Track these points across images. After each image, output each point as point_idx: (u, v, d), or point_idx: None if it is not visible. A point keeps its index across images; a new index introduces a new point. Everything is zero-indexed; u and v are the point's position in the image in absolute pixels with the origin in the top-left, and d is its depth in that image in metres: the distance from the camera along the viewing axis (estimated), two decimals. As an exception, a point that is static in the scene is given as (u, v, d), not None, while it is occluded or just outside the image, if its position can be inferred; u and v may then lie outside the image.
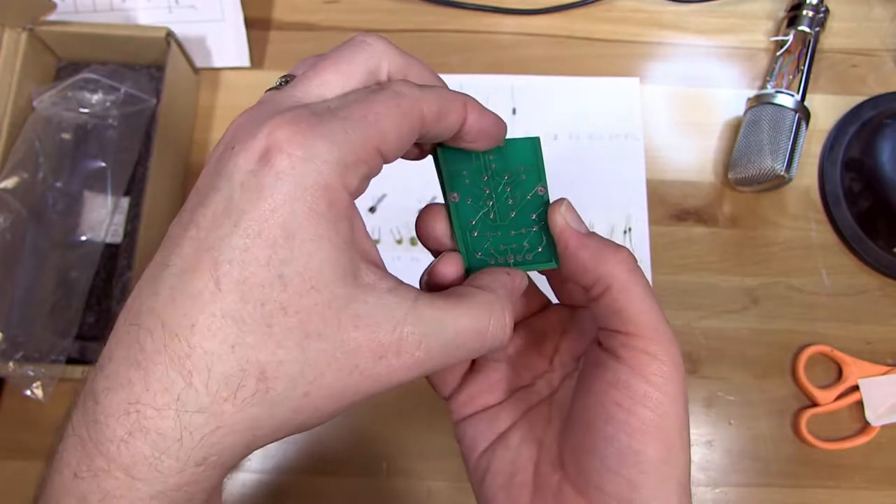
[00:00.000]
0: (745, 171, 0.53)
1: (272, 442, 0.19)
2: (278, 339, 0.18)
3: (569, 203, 0.26)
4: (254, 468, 0.49)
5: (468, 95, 0.24)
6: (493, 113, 0.25)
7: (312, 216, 0.18)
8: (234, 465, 0.19)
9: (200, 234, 0.19)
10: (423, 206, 0.27)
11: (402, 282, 0.21)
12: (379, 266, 0.21)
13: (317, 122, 0.19)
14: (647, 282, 0.24)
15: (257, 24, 0.58)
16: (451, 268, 0.25)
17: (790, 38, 0.56)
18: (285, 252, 0.18)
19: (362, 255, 0.20)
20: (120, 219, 0.52)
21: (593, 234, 0.25)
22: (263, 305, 0.18)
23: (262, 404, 0.18)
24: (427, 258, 0.26)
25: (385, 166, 0.21)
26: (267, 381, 0.18)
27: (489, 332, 0.22)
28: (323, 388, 0.19)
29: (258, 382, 0.18)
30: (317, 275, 0.18)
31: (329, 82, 0.21)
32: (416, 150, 0.25)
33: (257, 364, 0.18)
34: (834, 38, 0.59)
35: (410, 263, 0.52)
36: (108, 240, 0.51)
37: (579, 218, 0.26)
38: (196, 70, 0.57)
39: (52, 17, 0.51)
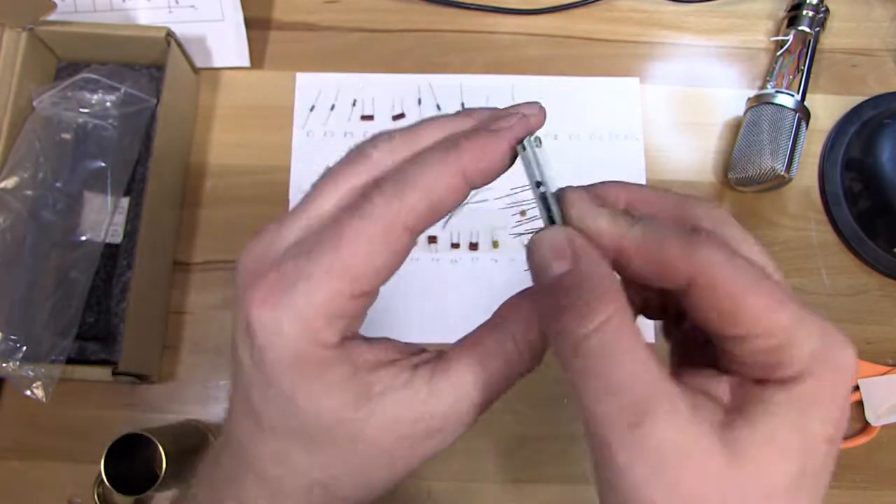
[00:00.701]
0: (745, 172, 0.53)
1: None
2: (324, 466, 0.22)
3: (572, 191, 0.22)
4: (254, 468, 0.49)
5: (466, 137, 0.21)
6: (496, 138, 0.22)
7: (302, 381, 0.20)
8: None
9: (236, 440, 0.23)
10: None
11: (419, 362, 0.22)
12: (391, 362, 0.21)
13: (283, 289, 0.20)
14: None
15: (257, 24, 0.58)
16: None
17: (790, 38, 0.56)
18: (297, 422, 0.21)
19: (369, 370, 0.21)
20: (120, 219, 0.52)
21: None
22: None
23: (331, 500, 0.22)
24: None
25: None
26: (328, 490, 0.22)
27: (510, 372, 0.22)
28: (375, 486, 0.22)
29: (323, 492, 0.22)
30: (329, 419, 0.20)
31: (322, 206, 0.21)
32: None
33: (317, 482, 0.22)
34: (834, 38, 0.59)
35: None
36: (108, 240, 0.51)
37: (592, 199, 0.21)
38: (196, 70, 0.57)
39: (52, 17, 0.51)
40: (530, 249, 0.20)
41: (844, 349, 0.18)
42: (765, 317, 0.18)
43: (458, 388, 0.21)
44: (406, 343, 0.24)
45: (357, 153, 0.22)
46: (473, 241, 0.54)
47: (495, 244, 0.54)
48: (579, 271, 0.19)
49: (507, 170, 0.22)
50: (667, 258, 0.19)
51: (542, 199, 0.22)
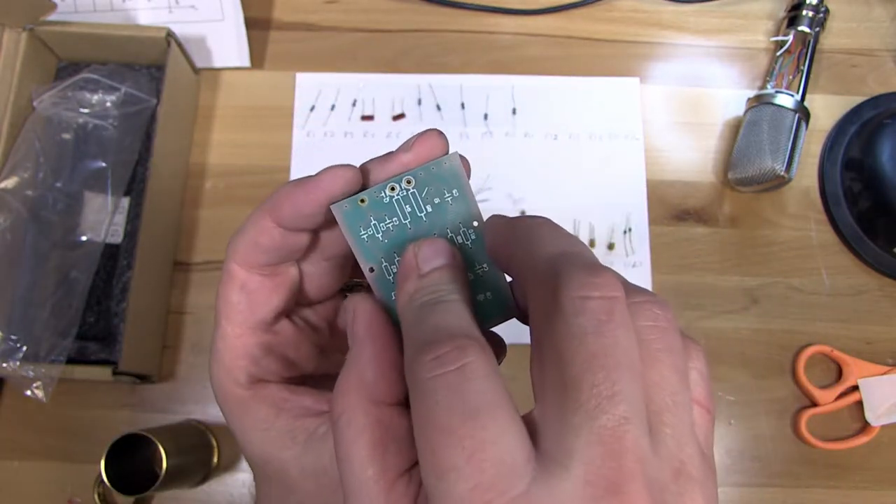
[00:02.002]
0: (745, 172, 0.53)
1: None
2: None
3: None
4: (254, 468, 0.49)
5: (285, 185, 0.21)
6: (300, 192, 0.21)
7: (232, 417, 0.23)
8: None
9: None
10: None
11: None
12: (320, 412, 0.23)
13: (214, 333, 0.23)
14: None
15: (257, 24, 0.58)
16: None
17: (790, 38, 0.56)
18: (245, 453, 0.23)
19: (296, 416, 0.22)
20: (120, 219, 0.52)
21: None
22: None
23: None
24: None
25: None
26: None
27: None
28: None
29: None
30: (261, 455, 0.22)
31: None
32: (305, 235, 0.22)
33: None
34: (834, 38, 0.59)
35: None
36: (109, 240, 0.51)
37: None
38: (196, 70, 0.57)
39: (52, 17, 0.51)
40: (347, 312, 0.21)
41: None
42: (427, 475, 0.16)
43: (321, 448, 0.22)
44: None
45: None
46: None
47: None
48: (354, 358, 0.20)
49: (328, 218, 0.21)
50: (405, 365, 0.18)
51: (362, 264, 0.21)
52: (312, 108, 0.57)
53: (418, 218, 0.21)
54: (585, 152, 0.56)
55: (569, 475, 0.14)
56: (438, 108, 0.57)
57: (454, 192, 0.21)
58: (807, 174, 0.56)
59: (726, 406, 0.51)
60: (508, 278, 0.22)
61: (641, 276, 0.53)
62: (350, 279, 0.25)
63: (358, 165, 0.21)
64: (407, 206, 0.21)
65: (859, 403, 0.50)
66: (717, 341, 0.52)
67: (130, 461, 0.44)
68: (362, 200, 0.21)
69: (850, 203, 0.54)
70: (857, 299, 0.53)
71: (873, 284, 0.54)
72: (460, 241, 0.22)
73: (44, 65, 0.54)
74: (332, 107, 0.57)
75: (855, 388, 0.50)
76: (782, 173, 0.51)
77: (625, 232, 0.54)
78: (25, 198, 0.49)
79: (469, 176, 0.22)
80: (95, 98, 0.53)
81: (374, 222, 0.21)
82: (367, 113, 0.57)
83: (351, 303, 0.20)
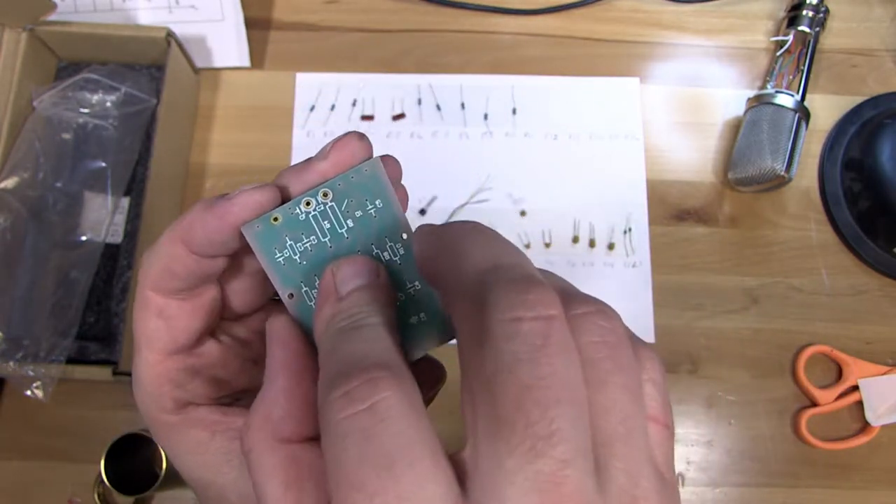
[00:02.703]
0: (745, 171, 0.53)
1: None
2: None
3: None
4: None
5: (193, 207, 0.19)
6: (208, 215, 0.19)
7: (165, 441, 0.22)
8: None
9: None
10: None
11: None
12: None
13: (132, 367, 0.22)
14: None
15: (257, 24, 0.58)
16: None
17: (790, 38, 0.56)
18: (184, 476, 0.22)
19: (231, 439, 0.21)
20: (120, 219, 0.52)
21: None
22: None
23: None
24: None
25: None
26: None
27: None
28: None
29: None
30: (198, 478, 0.21)
31: None
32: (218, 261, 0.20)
33: None
34: (834, 38, 0.59)
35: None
36: (109, 240, 0.51)
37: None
38: (196, 70, 0.57)
39: (52, 17, 0.51)
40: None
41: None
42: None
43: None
44: None
45: None
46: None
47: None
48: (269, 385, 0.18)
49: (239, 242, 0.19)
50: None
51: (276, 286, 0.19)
52: (312, 108, 0.57)
53: (339, 234, 0.19)
54: (585, 152, 0.56)
55: None
56: (438, 108, 0.57)
57: (377, 202, 0.19)
58: (807, 174, 0.56)
59: (726, 406, 0.51)
60: None
61: (641, 276, 0.53)
62: None
63: (274, 179, 0.20)
64: (325, 222, 0.19)
65: (859, 403, 0.50)
66: (717, 341, 0.52)
67: (130, 461, 0.44)
68: (275, 219, 0.19)
69: (850, 203, 0.54)
70: (857, 299, 0.53)
71: (873, 284, 0.54)
72: (387, 257, 0.19)
73: (44, 65, 0.54)
74: (332, 107, 0.57)
75: (855, 388, 0.50)
76: (782, 173, 0.51)
77: (625, 232, 0.54)
78: (25, 198, 0.49)
79: (400, 178, 0.20)
80: (95, 98, 0.53)
81: (289, 242, 0.19)
82: (367, 113, 0.57)
83: (268, 327, 0.19)
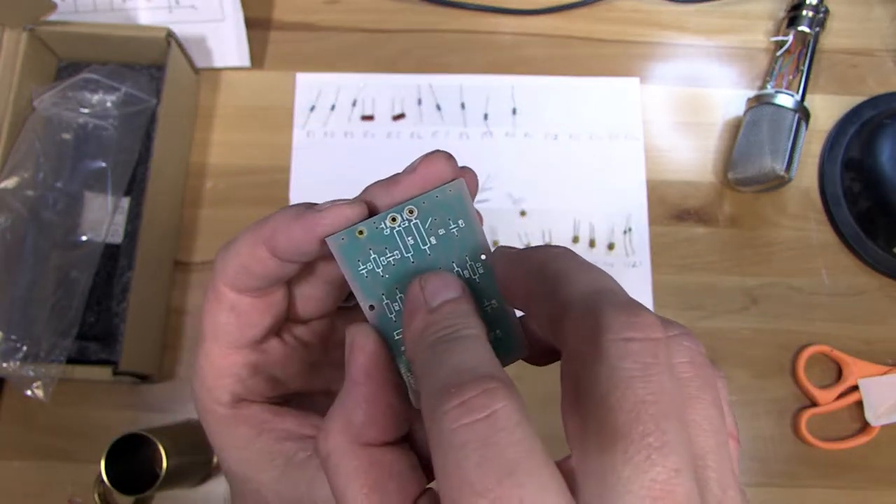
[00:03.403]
0: (745, 171, 0.53)
1: None
2: None
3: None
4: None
5: (281, 212, 0.20)
6: (296, 224, 0.19)
7: (213, 434, 0.22)
8: None
9: None
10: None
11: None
12: (302, 437, 0.22)
13: (197, 351, 0.23)
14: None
15: (257, 24, 0.58)
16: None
17: (790, 38, 0.56)
18: (225, 467, 0.23)
19: (277, 439, 0.22)
20: (120, 219, 0.52)
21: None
22: None
23: None
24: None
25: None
26: None
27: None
28: None
29: None
30: (238, 473, 0.22)
31: None
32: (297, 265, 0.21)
33: None
34: (834, 38, 0.59)
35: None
36: (109, 240, 0.51)
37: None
38: (196, 70, 0.57)
39: (53, 17, 0.51)
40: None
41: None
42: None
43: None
44: None
45: None
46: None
47: (495, 243, 0.54)
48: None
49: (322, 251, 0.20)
50: (422, 410, 0.16)
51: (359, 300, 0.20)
52: (312, 108, 0.57)
53: (422, 251, 0.20)
54: (585, 152, 0.56)
55: None
56: (438, 108, 0.57)
57: (460, 222, 0.20)
58: (807, 174, 0.56)
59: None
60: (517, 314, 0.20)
61: (641, 276, 0.53)
62: (349, 296, 0.24)
63: (364, 191, 0.20)
64: (409, 238, 0.19)
65: (859, 403, 0.50)
66: (718, 341, 0.52)
67: (130, 461, 0.44)
68: (360, 232, 0.19)
69: (850, 203, 0.54)
70: (857, 299, 0.53)
71: (873, 284, 0.54)
72: (467, 275, 0.20)
73: (44, 65, 0.54)
74: (333, 107, 0.57)
75: (855, 388, 0.50)
76: (782, 173, 0.51)
77: (625, 232, 0.54)
78: (25, 198, 0.49)
79: (474, 198, 0.20)
80: (95, 98, 0.53)
81: (373, 256, 0.19)
82: (368, 113, 0.57)
83: (350, 336, 0.19)
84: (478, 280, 0.20)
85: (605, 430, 0.14)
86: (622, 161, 0.56)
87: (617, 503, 0.13)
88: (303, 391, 0.24)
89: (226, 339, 0.21)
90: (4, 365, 0.45)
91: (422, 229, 0.19)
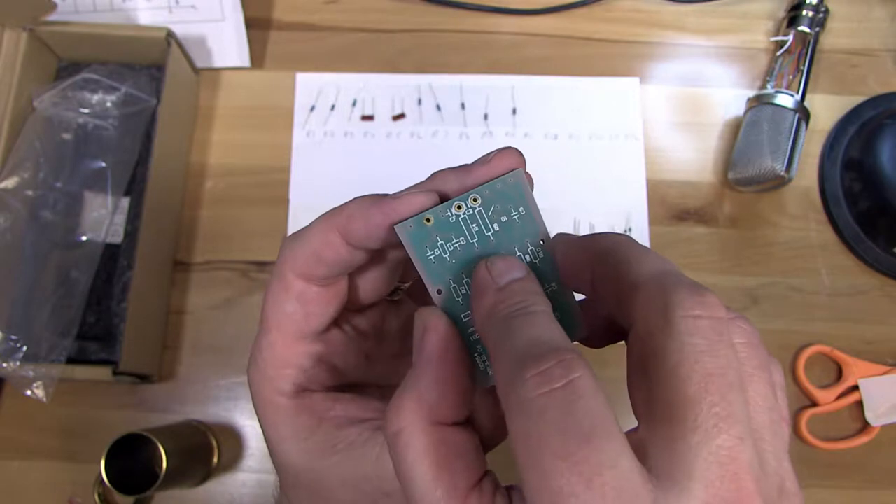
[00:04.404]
0: (745, 171, 0.53)
1: None
2: None
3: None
4: (253, 468, 0.49)
5: (356, 201, 0.21)
6: (373, 211, 0.20)
7: (270, 426, 0.22)
8: None
9: None
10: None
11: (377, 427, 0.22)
12: (361, 420, 0.22)
13: (255, 344, 0.23)
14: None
15: (257, 24, 0.58)
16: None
17: (790, 38, 0.56)
18: (277, 460, 0.23)
19: (338, 426, 0.22)
20: (120, 219, 0.52)
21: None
22: None
23: None
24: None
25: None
26: None
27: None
28: None
29: None
30: (296, 464, 0.22)
31: None
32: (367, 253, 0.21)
33: None
34: (834, 38, 0.59)
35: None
36: (109, 240, 0.51)
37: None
38: (196, 70, 0.57)
39: (53, 17, 0.51)
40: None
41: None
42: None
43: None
44: None
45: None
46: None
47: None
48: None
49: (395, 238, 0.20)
50: (497, 381, 0.17)
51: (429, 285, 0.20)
52: (312, 108, 0.57)
53: (485, 237, 0.20)
54: (585, 152, 0.56)
55: (689, 497, 0.14)
56: (438, 108, 0.57)
57: (520, 209, 0.21)
58: (807, 174, 0.56)
59: (726, 406, 0.51)
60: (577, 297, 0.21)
61: (641, 276, 0.53)
62: (398, 284, 0.25)
63: (432, 177, 0.21)
64: (474, 225, 0.20)
65: (859, 403, 0.50)
66: (717, 341, 0.52)
67: (130, 461, 0.44)
68: (428, 220, 0.20)
69: (850, 203, 0.54)
70: (857, 299, 0.53)
71: (873, 284, 0.54)
72: (528, 259, 0.21)
73: (44, 65, 0.54)
74: (332, 107, 0.57)
75: (855, 388, 0.50)
76: (782, 173, 0.51)
77: (625, 232, 0.54)
78: (25, 198, 0.49)
79: (532, 189, 0.21)
80: (95, 98, 0.53)
81: (440, 242, 0.20)
82: (367, 113, 0.57)
83: (422, 318, 0.19)
84: (538, 264, 0.21)
85: (674, 400, 0.15)
86: (622, 161, 0.56)
87: (686, 467, 0.14)
88: (358, 382, 0.25)
89: (292, 328, 0.22)
90: (4, 365, 0.45)
91: (485, 216, 0.20)
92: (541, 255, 0.21)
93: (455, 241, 0.20)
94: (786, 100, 0.53)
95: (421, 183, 0.21)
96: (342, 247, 0.20)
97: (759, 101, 0.54)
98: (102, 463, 0.42)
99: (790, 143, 0.52)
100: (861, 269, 0.54)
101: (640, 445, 0.15)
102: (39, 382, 0.46)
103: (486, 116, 0.57)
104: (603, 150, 0.56)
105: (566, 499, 0.14)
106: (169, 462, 0.42)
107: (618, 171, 0.56)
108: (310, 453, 0.22)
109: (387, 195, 0.20)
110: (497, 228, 0.20)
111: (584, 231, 0.54)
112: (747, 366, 0.16)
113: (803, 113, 0.53)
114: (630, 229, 0.54)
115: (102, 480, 0.42)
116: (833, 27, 0.59)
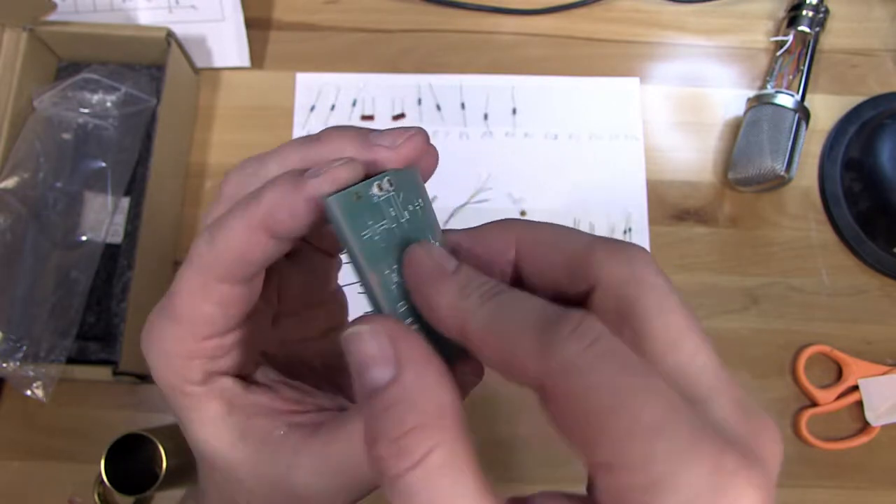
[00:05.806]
0: (745, 171, 0.53)
1: None
2: None
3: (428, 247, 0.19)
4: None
5: (269, 186, 0.19)
6: (293, 192, 0.18)
7: (181, 410, 0.21)
8: None
9: None
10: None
11: (305, 421, 0.21)
12: (277, 412, 0.21)
13: (151, 328, 0.21)
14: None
15: (257, 24, 0.58)
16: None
17: (790, 38, 0.56)
18: (192, 444, 0.21)
19: (249, 415, 0.21)
20: (120, 219, 0.52)
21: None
22: None
23: None
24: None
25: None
26: None
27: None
28: None
29: None
30: (209, 451, 0.21)
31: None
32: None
33: None
34: (834, 38, 0.59)
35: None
36: (109, 240, 0.51)
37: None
38: (196, 70, 0.57)
39: (53, 17, 0.51)
40: (344, 341, 0.17)
41: (747, 488, 0.14)
42: (629, 445, 0.14)
43: (324, 449, 0.20)
44: (324, 394, 0.23)
45: (219, 186, 0.21)
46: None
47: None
48: (401, 385, 0.16)
49: (327, 221, 0.18)
50: (514, 357, 0.15)
51: (356, 271, 0.18)
52: (312, 108, 0.57)
53: (401, 224, 0.19)
54: (585, 152, 0.56)
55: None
56: (438, 108, 0.57)
57: (419, 201, 0.19)
58: (807, 174, 0.56)
59: (726, 406, 0.51)
60: None
61: (641, 276, 0.53)
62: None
63: (321, 136, 0.20)
64: (391, 210, 0.19)
65: (859, 403, 0.50)
66: (717, 341, 0.52)
67: (130, 461, 0.44)
68: (358, 195, 0.18)
69: (850, 203, 0.54)
70: (857, 299, 0.53)
71: (873, 284, 0.54)
72: None
73: (44, 65, 0.54)
74: (333, 107, 0.57)
75: (855, 388, 0.50)
76: (782, 173, 0.51)
77: (625, 232, 0.54)
78: (25, 198, 0.49)
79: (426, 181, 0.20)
80: (95, 98, 0.53)
81: (370, 223, 0.18)
82: (367, 113, 0.57)
83: (370, 333, 0.17)
84: None
85: (672, 324, 0.17)
86: (622, 161, 0.56)
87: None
88: (267, 351, 0.24)
89: (206, 329, 0.20)
90: (4, 365, 0.45)
91: (398, 202, 0.19)
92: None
93: (381, 222, 0.18)
94: (786, 100, 0.53)
95: (321, 145, 0.20)
96: (268, 243, 0.19)
97: (759, 101, 0.54)
98: (102, 463, 0.42)
99: (790, 143, 0.52)
100: (861, 269, 0.54)
101: None
102: (39, 382, 0.45)
103: (486, 116, 0.57)
104: (603, 150, 0.56)
105: (654, 430, 0.14)
106: (169, 462, 0.42)
107: (618, 170, 0.56)
108: (221, 441, 0.21)
109: (304, 172, 0.18)
110: (407, 216, 0.19)
111: (584, 230, 0.54)
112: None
113: (803, 113, 0.53)
114: (630, 229, 0.54)
115: (102, 480, 0.42)
116: (833, 27, 0.59)
